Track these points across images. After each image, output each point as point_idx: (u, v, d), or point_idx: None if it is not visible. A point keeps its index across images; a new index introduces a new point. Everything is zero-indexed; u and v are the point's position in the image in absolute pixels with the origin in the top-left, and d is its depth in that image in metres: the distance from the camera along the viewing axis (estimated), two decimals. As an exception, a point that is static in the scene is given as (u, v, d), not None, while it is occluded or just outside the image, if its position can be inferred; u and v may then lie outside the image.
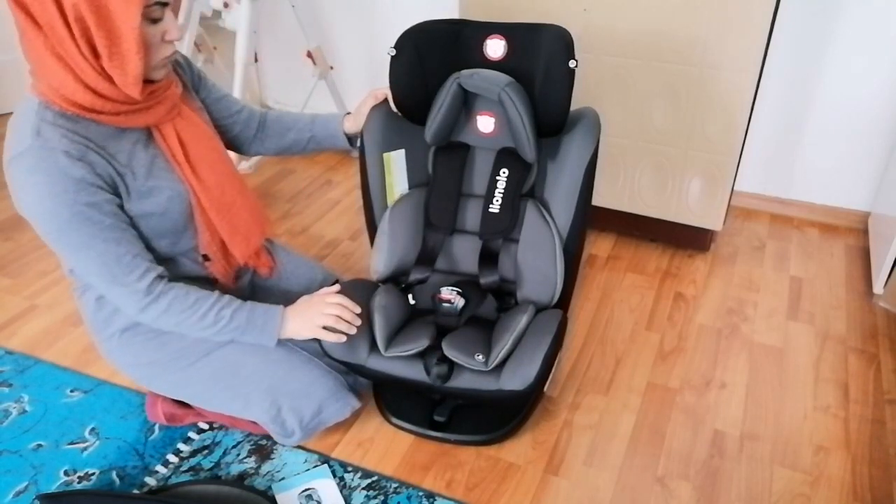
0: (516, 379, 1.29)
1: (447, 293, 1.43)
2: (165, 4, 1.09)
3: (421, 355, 1.35)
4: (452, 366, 1.34)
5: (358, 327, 1.35)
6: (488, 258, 1.47)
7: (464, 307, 1.42)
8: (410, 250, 1.50)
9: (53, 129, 1.09)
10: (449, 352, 1.33)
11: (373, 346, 1.38)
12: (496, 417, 1.48)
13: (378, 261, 1.50)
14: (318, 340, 1.34)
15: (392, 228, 1.49)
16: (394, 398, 1.53)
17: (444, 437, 1.45)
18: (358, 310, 1.36)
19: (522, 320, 1.36)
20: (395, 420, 1.49)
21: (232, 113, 1.46)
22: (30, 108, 1.10)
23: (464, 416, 1.48)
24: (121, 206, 1.17)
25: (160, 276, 1.21)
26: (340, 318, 1.32)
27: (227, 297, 1.27)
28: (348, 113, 1.53)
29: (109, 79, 1.09)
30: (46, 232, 1.13)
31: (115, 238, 1.15)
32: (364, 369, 1.38)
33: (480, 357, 1.33)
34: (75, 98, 1.09)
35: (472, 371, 1.33)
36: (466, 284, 1.48)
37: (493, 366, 1.32)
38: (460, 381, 1.34)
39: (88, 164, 1.11)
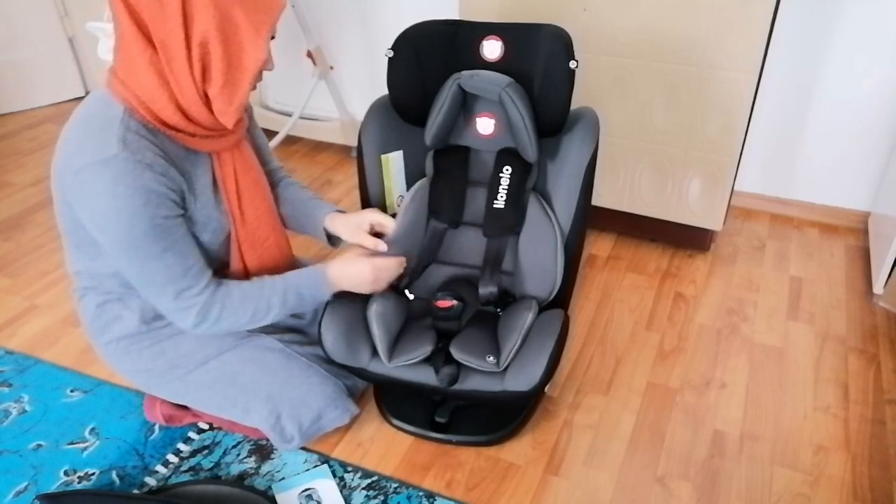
0: (521, 380, 1.29)
1: (444, 300, 1.41)
2: (272, 38, 1.12)
3: (426, 359, 1.34)
4: (460, 367, 1.33)
5: (357, 333, 1.36)
6: (492, 262, 1.45)
7: (463, 310, 1.42)
8: (415, 244, 1.48)
9: (139, 140, 1.08)
10: (459, 356, 1.32)
11: (375, 350, 1.38)
12: (497, 418, 1.48)
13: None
14: (320, 344, 1.35)
15: (401, 222, 1.43)
16: (394, 400, 1.52)
17: (446, 439, 1.45)
18: (402, 264, 1.39)
19: (528, 318, 1.35)
20: (395, 422, 1.49)
21: (263, 163, 1.44)
22: (112, 115, 1.08)
23: (465, 417, 1.48)
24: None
25: (214, 288, 1.22)
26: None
27: (267, 282, 1.27)
28: (341, 211, 1.47)
29: (207, 104, 1.10)
30: (115, 241, 1.11)
31: (185, 250, 1.16)
32: (366, 373, 1.38)
33: (492, 359, 1.32)
34: (162, 115, 1.09)
35: (478, 372, 1.33)
36: (459, 284, 1.47)
37: (504, 366, 1.31)
38: (466, 383, 1.33)
39: (169, 179, 1.11)
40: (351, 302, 1.39)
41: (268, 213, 1.34)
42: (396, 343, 1.39)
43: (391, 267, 1.37)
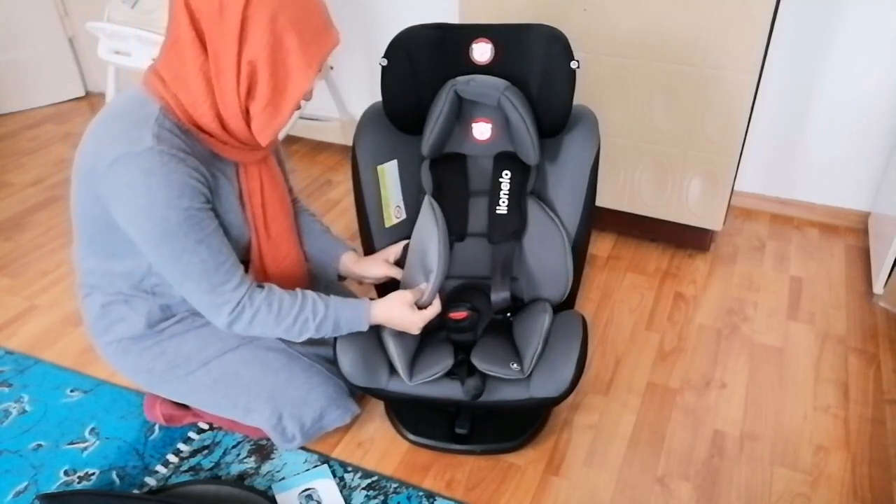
0: (550, 385, 1.28)
1: (457, 312, 1.37)
2: (319, 70, 1.12)
3: (447, 373, 1.32)
4: (485, 378, 1.32)
5: (374, 353, 1.35)
6: (501, 268, 1.42)
7: (477, 320, 1.39)
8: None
9: (171, 138, 1.09)
10: (482, 365, 1.31)
11: (392, 369, 1.35)
12: (512, 421, 1.47)
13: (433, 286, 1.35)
14: (335, 363, 1.34)
15: (440, 249, 1.34)
16: (408, 415, 1.50)
17: (470, 450, 1.43)
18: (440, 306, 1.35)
19: (545, 320, 1.33)
20: (414, 438, 1.46)
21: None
22: (148, 112, 1.09)
23: (482, 425, 1.46)
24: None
25: (251, 287, 1.21)
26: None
27: (309, 301, 1.26)
28: (353, 249, 1.49)
29: (247, 119, 1.12)
30: (148, 236, 1.11)
31: (218, 244, 1.16)
32: (385, 393, 1.36)
33: (515, 366, 1.31)
34: (200, 121, 1.11)
35: (503, 382, 1.32)
36: (470, 293, 1.46)
37: (529, 372, 1.30)
38: (492, 394, 1.32)
39: (200, 174, 1.12)
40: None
41: (289, 232, 1.36)
42: (414, 360, 1.37)
43: (434, 314, 1.34)
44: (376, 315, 1.31)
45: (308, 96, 1.16)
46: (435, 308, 1.33)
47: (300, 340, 1.28)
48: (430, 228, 1.35)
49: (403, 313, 1.30)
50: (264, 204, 1.28)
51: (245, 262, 1.31)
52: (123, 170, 1.07)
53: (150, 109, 1.10)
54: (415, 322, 1.30)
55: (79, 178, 1.16)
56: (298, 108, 1.17)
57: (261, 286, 1.24)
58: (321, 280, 1.53)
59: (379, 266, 1.44)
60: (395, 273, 1.43)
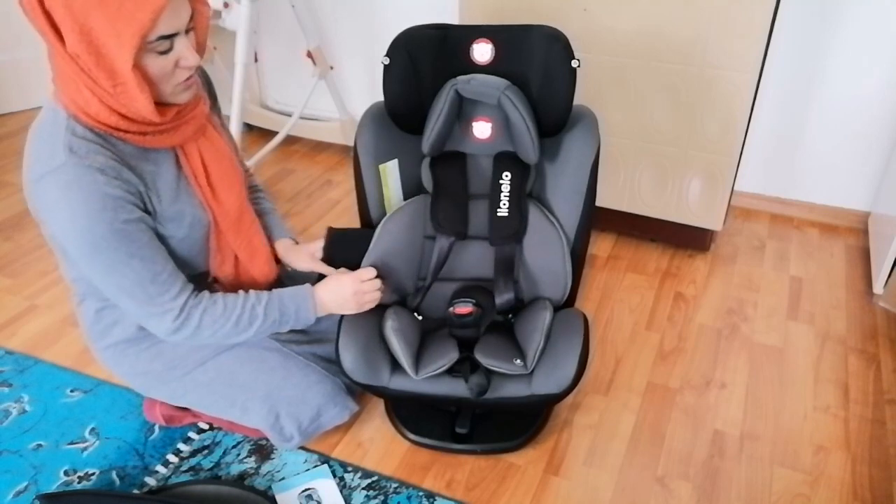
0: (551, 382, 1.28)
1: (462, 306, 1.38)
2: (171, 37, 1.04)
3: (449, 371, 1.33)
4: (489, 375, 1.32)
5: (375, 350, 1.35)
6: (504, 269, 1.42)
7: (481, 316, 1.40)
8: (410, 269, 1.45)
9: (86, 144, 1.06)
10: (485, 361, 1.31)
11: (394, 367, 1.35)
12: (513, 421, 1.47)
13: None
14: (338, 363, 1.33)
15: (386, 249, 1.40)
16: (409, 415, 1.50)
17: (470, 450, 1.43)
18: (379, 285, 1.36)
19: (547, 317, 1.34)
20: (414, 437, 1.46)
21: None
22: (58, 123, 1.07)
23: (482, 424, 1.46)
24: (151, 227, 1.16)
25: (192, 293, 1.20)
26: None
27: (252, 294, 1.26)
28: (292, 238, 1.47)
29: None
30: (79, 251, 1.10)
31: (152, 255, 1.14)
32: (387, 391, 1.35)
33: (519, 361, 1.31)
34: (100, 118, 1.07)
35: (505, 379, 1.32)
36: (475, 291, 1.46)
37: (532, 367, 1.31)
38: (494, 392, 1.32)
39: (124, 181, 1.09)
40: (366, 320, 1.37)
41: (244, 205, 1.32)
42: (418, 356, 1.37)
43: (374, 283, 1.34)
44: (320, 292, 1.30)
45: (184, 63, 1.07)
46: (370, 271, 1.35)
47: (252, 333, 1.25)
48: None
49: (338, 278, 1.32)
50: (210, 181, 1.23)
51: (206, 273, 1.30)
52: (45, 188, 1.06)
53: (59, 119, 1.08)
54: (347, 282, 1.31)
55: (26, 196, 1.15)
56: (187, 74, 1.09)
57: (199, 291, 1.22)
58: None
59: (304, 259, 1.42)
60: (321, 268, 1.41)
